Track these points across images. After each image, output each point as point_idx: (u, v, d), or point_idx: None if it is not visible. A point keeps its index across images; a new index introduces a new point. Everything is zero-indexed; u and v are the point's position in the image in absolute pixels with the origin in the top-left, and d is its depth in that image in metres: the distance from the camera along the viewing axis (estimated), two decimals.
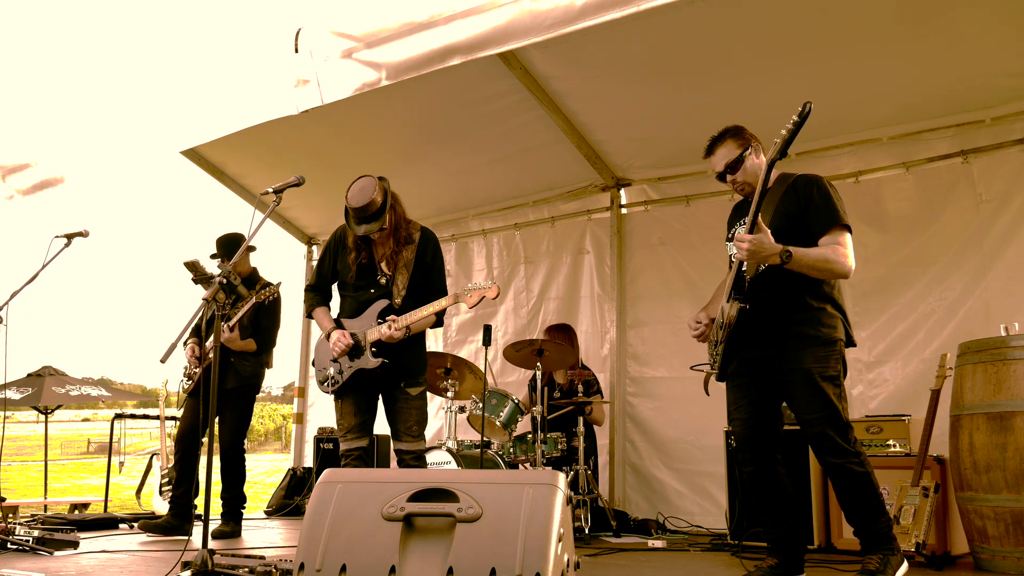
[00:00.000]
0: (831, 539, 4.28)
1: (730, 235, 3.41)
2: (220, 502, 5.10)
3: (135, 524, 5.33)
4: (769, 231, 3.00)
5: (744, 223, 3.14)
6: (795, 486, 3.61)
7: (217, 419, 4.96)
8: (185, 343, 5.07)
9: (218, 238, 5.11)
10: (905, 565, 3.03)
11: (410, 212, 3.97)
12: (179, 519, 4.87)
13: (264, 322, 5.06)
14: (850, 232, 3.14)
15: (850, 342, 3.24)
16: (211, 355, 4.89)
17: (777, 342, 3.16)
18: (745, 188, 3.31)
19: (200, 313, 3.36)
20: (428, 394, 6.67)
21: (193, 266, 4.80)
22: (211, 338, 4.92)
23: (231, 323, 4.80)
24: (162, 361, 4.87)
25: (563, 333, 5.78)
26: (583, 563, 3.58)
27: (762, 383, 3.24)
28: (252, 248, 5.00)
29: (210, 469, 3.93)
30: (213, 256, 5.05)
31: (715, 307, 3.39)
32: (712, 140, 3.37)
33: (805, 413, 3.11)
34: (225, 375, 4.82)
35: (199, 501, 4.95)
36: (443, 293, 3.85)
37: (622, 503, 5.79)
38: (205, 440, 4.91)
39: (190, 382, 5.05)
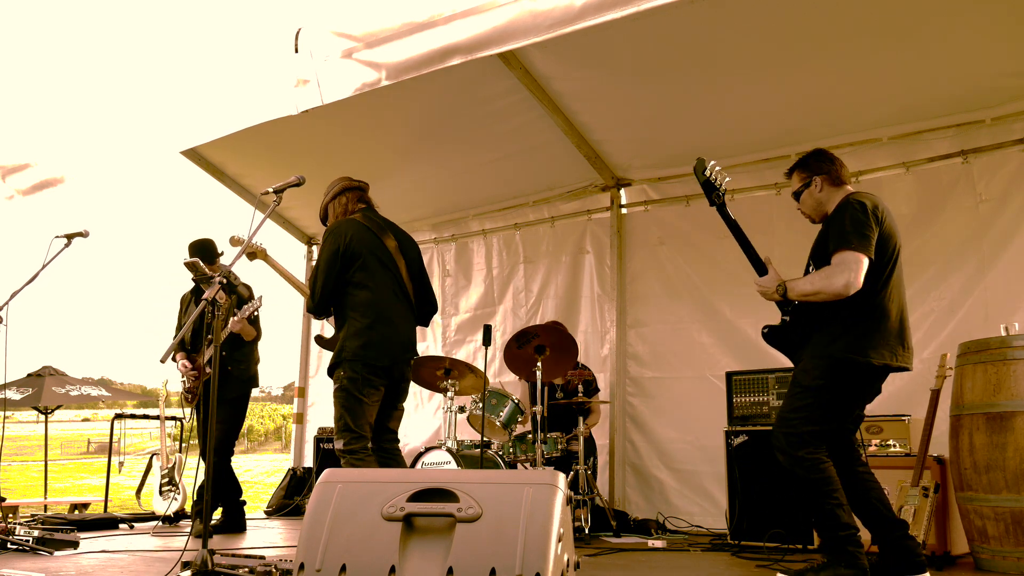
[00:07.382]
0: None
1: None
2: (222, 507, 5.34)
3: (135, 524, 5.34)
4: (772, 270, 3.27)
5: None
6: (792, 485, 3.60)
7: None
8: (174, 357, 5.16)
9: (191, 243, 5.21)
10: None
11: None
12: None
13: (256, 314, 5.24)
14: (856, 251, 3.04)
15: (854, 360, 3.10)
16: (207, 367, 4.95)
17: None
18: (814, 217, 3.40)
19: (199, 314, 3.36)
20: (428, 393, 6.74)
21: (193, 266, 4.81)
22: (204, 346, 5.00)
23: (244, 315, 4.90)
24: (162, 361, 4.86)
25: (558, 333, 5.76)
26: (583, 563, 3.58)
27: None
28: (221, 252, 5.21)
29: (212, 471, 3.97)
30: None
31: None
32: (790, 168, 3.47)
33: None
34: (224, 385, 4.89)
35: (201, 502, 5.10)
36: None
37: (622, 503, 5.79)
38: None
39: (191, 396, 5.18)
